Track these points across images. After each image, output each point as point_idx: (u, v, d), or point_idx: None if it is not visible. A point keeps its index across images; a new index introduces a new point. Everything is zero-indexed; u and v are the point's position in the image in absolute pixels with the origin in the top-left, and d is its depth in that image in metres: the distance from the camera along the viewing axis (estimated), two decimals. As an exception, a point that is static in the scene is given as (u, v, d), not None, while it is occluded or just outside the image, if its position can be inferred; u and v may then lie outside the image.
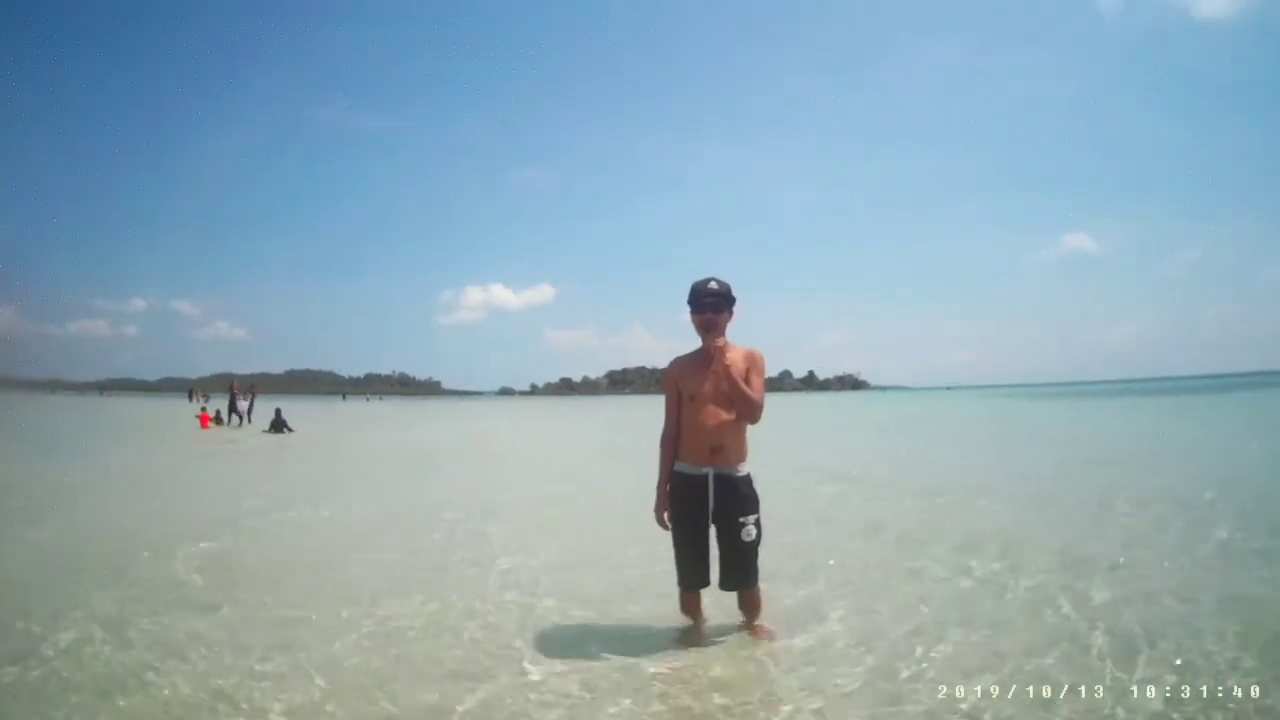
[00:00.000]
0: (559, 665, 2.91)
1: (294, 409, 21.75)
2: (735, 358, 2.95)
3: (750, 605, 3.12)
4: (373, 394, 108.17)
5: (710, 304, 2.95)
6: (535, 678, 2.80)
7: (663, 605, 3.46)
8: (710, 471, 2.93)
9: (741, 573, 2.99)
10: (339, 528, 5.93)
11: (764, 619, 3.17)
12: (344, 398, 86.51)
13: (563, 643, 3.16)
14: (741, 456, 2.98)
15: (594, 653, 3.03)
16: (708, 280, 2.97)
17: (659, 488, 3.07)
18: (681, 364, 3.07)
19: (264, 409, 21.58)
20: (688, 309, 3.00)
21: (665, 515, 3.04)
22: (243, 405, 21.75)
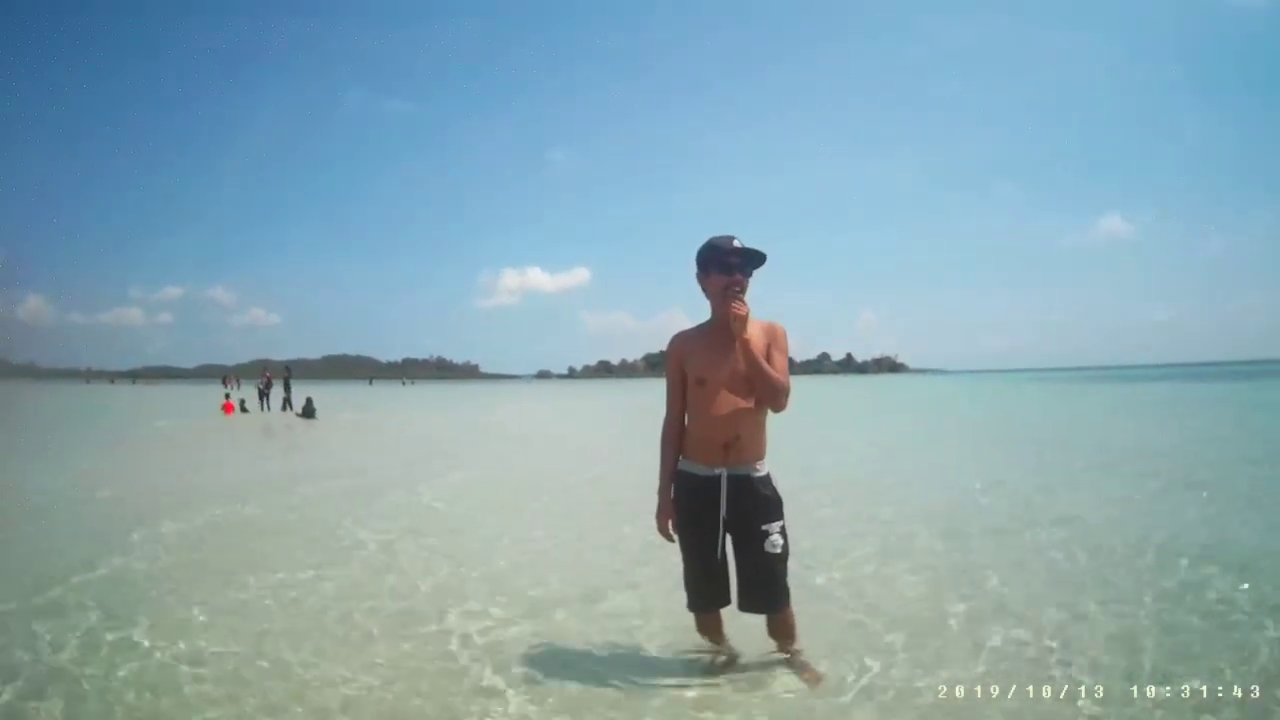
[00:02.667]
0: (549, 699, 2.41)
1: (314, 394, 21.61)
2: (753, 332, 2.37)
3: (782, 631, 2.56)
4: (408, 378, 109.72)
5: (738, 264, 2.38)
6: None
7: (678, 626, 2.95)
8: (723, 472, 2.37)
9: (767, 592, 2.43)
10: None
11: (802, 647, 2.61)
12: (370, 382, 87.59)
13: (550, 671, 2.65)
14: (759, 453, 2.43)
15: (592, 685, 2.52)
16: (730, 237, 2.40)
17: (661, 491, 2.51)
18: (687, 339, 2.50)
19: (295, 393, 22.23)
20: (698, 270, 2.46)
21: (669, 524, 2.50)
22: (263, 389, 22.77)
